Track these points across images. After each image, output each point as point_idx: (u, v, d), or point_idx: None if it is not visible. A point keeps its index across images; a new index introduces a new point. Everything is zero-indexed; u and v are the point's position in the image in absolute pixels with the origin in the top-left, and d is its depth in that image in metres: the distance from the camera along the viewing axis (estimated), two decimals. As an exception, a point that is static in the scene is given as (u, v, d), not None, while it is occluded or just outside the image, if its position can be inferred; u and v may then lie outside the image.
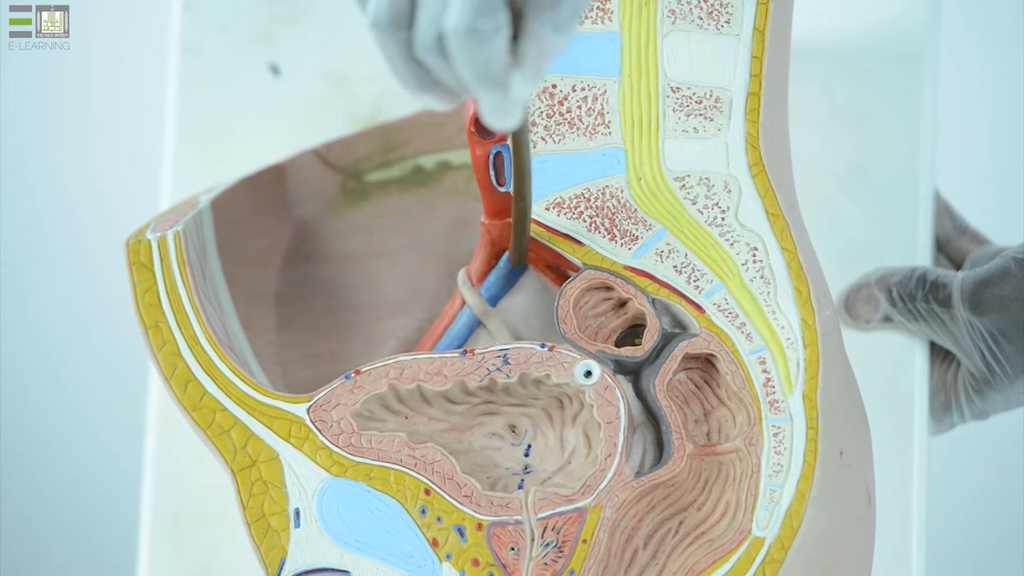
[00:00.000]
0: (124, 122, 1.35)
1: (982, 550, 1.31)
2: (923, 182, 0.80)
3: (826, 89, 0.81)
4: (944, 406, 0.77)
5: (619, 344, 0.64)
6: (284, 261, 0.78)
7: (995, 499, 1.31)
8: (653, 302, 0.63)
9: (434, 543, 0.60)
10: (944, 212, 0.81)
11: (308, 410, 0.62)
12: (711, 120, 0.63)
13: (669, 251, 0.63)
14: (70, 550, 1.35)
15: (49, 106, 1.36)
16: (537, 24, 0.49)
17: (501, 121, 0.51)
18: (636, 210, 0.63)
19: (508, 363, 0.62)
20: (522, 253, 0.65)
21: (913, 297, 0.75)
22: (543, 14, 0.48)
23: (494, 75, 0.49)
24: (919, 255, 0.79)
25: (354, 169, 0.80)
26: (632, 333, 0.64)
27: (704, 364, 0.63)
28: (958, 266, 0.80)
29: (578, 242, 0.63)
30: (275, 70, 0.85)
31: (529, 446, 0.64)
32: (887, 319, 0.77)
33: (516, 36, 0.49)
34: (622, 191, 0.63)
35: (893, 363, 0.78)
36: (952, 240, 0.81)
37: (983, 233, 0.81)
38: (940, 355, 0.78)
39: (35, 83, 1.35)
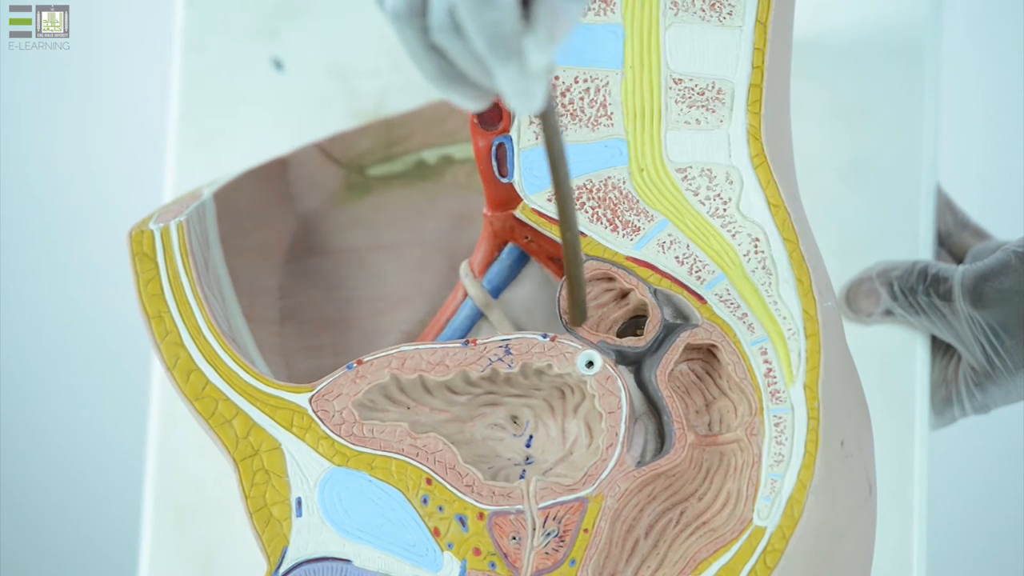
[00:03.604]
0: (126, 119, 1.35)
1: (982, 542, 1.31)
2: (925, 176, 0.80)
3: (828, 84, 0.81)
4: (945, 400, 0.77)
5: (621, 335, 0.64)
6: (287, 254, 0.78)
7: (995, 492, 1.31)
8: (655, 293, 0.63)
9: (436, 532, 0.60)
10: (945, 207, 0.81)
11: (310, 400, 0.62)
12: (713, 111, 0.64)
13: (671, 242, 0.63)
14: (72, 541, 1.36)
15: (50, 106, 1.36)
16: None
17: (523, 102, 0.50)
18: (638, 201, 0.63)
19: (510, 353, 0.62)
20: (581, 306, 0.62)
21: (914, 291, 0.75)
22: None
23: (506, 40, 0.48)
24: (920, 249, 0.79)
25: (357, 163, 0.80)
26: (634, 324, 0.64)
27: (706, 354, 0.63)
28: (959, 261, 0.80)
29: (580, 233, 0.64)
30: (278, 65, 0.86)
31: (531, 437, 0.64)
32: (888, 313, 0.77)
33: (527, 2, 0.49)
34: (624, 182, 0.64)
35: (894, 357, 0.78)
36: (954, 235, 0.81)
37: (984, 228, 0.81)
38: (941, 349, 0.78)
39: (35, 83, 1.36)
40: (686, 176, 0.63)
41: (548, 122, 0.55)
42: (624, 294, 0.64)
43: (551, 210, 0.64)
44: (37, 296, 1.36)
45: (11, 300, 1.35)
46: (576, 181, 0.64)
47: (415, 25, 0.51)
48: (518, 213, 0.64)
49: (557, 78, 0.64)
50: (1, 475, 1.35)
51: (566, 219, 0.58)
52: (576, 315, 0.62)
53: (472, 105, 0.52)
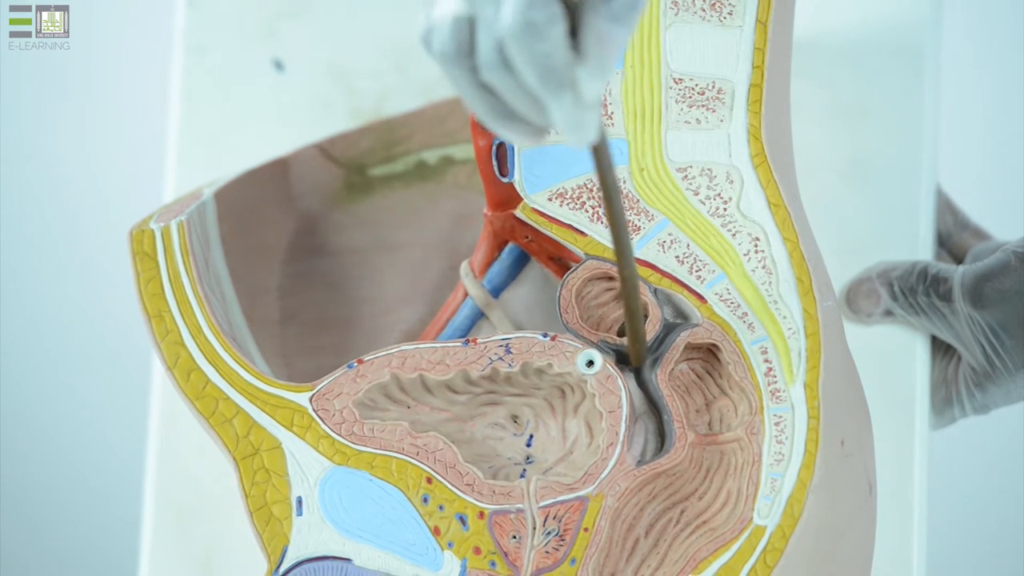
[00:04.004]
0: (126, 119, 1.35)
1: (982, 542, 1.31)
2: (925, 176, 0.80)
3: (827, 84, 0.81)
4: (945, 400, 0.77)
5: (621, 334, 0.64)
6: (287, 254, 0.78)
7: (995, 492, 1.31)
8: (655, 292, 0.63)
9: (436, 531, 0.60)
10: (946, 207, 0.81)
11: (311, 399, 0.62)
12: (713, 111, 0.64)
13: (671, 241, 0.63)
14: (73, 541, 1.36)
15: (50, 106, 1.36)
16: (593, 15, 0.48)
17: (578, 134, 0.49)
18: (638, 200, 0.64)
19: (510, 352, 0.62)
20: (643, 343, 0.61)
21: (914, 291, 0.75)
22: (598, 5, 0.48)
23: (557, 72, 0.48)
24: (920, 249, 0.79)
25: (357, 163, 0.80)
26: (634, 323, 0.64)
27: (706, 354, 0.63)
28: (960, 261, 0.80)
29: (580, 232, 0.64)
30: (279, 66, 0.86)
31: (531, 436, 0.64)
32: (888, 313, 0.77)
33: (575, 33, 0.48)
34: (624, 182, 0.64)
35: (894, 357, 0.78)
36: (954, 235, 0.81)
37: (984, 228, 0.81)
38: (941, 349, 0.78)
39: (35, 83, 1.36)
40: (686, 176, 0.63)
41: (601, 154, 0.53)
42: (624, 293, 0.64)
43: (551, 209, 0.64)
44: (37, 296, 1.36)
45: (11, 300, 1.35)
46: (576, 181, 0.64)
47: (464, 65, 0.50)
48: (518, 213, 0.64)
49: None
50: (1, 475, 1.35)
51: (623, 254, 0.57)
52: (639, 352, 0.62)
53: (526, 142, 0.52)
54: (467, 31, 0.50)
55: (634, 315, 0.60)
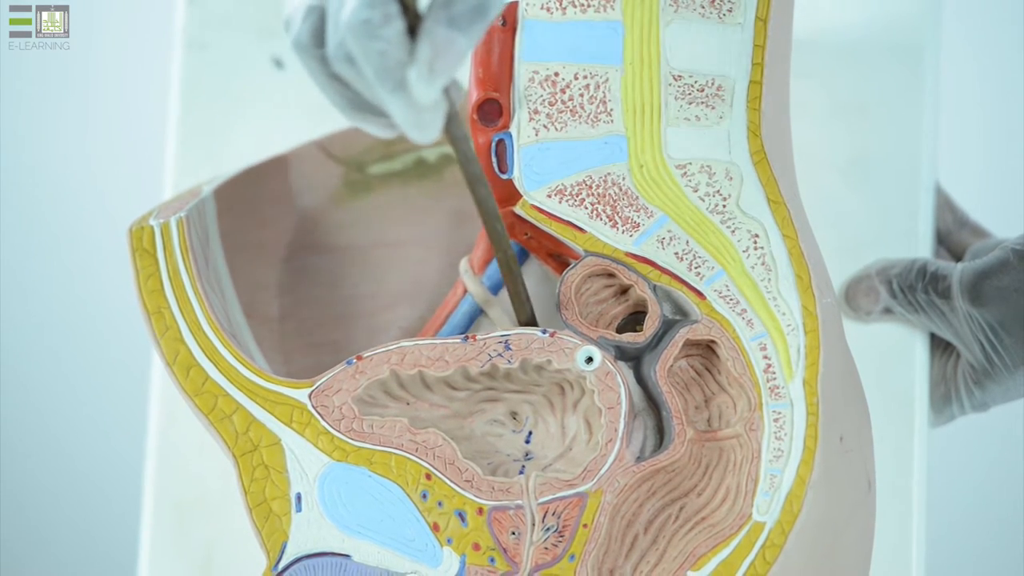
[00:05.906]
0: (126, 119, 1.35)
1: (982, 539, 1.31)
2: (924, 174, 0.80)
3: (827, 82, 0.81)
4: (944, 397, 0.77)
5: (620, 330, 0.64)
6: (286, 251, 0.78)
7: (995, 490, 1.32)
8: (654, 288, 0.63)
9: (435, 527, 0.60)
10: (945, 205, 0.81)
11: (310, 395, 0.62)
12: (713, 108, 0.64)
13: (670, 238, 0.63)
14: (72, 539, 1.36)
15: (50, 106, 1.36)
16: (431, 20, 0.49)
17: (417, 133, 0.50)
18: (637, 197, 0.64)
19: (509, 349, 0.62)
20: (530, 314, 0.65)
21: (913, 288, 0.75)
22: (437, 10, 0.49)
23: (391, 71, 0.49)
24: (920, 247, 0.79)
25: (357, 161, 0.80)
26: (633, 320, 0.64)
27: (705, 350, 0.63)
28: (959, 259, 0.80)
29: (580, 229, 0.64)
30: (279, 64, 0.86)
31: (530, 433, 0.64)
32: (887, 311, 0.77)
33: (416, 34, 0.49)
34: (624, 178, 0.64)
35: (894, 355, 0.78)
36: (953, 233, 0.81)
37: (983, 226, 0.81)
38: (940, 347, 0.78)
39: (35, 83, 1.36)
40: (686, 172, 0.63)
41: (458, 148, 0.56)
42: (624, 290, 0.64)
43: (551, 206, 0.64)
44: (37, 294, 1.36)
45: (11, 299, 1.35)
46: (576, 177, 0.64)
47: (315, 55, 0.51)
48: (518, 209, 0.64)
49: (557, 74, 0.64)
50: (1, 474, 1.35)
51: (496, 240, 0.61)
52: (523, 317, 0.65)
53: (382, 134, 0.53)
54: (319, 21, 0.51)
55: (516, 297, 0.64)
